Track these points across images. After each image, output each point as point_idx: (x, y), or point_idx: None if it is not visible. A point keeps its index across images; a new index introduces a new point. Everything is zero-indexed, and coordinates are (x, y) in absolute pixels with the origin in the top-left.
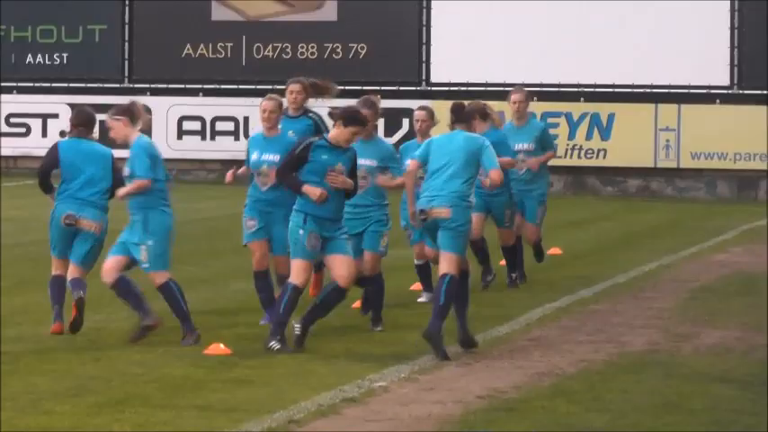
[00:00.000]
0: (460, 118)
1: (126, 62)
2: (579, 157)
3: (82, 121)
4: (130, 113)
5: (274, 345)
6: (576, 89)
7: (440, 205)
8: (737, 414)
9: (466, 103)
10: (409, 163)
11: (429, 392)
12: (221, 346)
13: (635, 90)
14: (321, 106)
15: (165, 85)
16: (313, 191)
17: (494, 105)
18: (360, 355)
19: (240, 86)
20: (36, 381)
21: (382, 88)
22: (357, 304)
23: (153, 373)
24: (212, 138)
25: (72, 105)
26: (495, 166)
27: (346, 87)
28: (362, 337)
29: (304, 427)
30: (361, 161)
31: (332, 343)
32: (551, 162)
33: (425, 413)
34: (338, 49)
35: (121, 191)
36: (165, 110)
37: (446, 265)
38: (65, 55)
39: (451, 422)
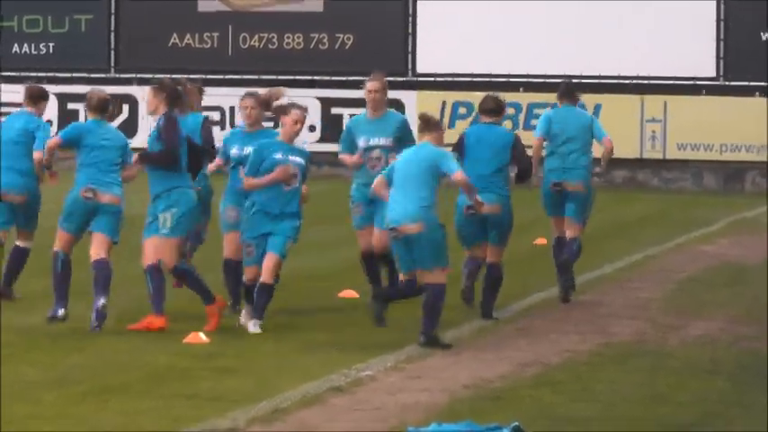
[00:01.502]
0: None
1: (112, 52)
2: None
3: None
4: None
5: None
6: (561, 80)
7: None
8: (724, 405)
9: None
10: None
11: (415, 381)
12: (201, 335)
13: (621, 81)
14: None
15: (151, 75)
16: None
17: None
18: (346, 344)
19: (226, 77)
20: (21, 370)
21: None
22: (344, 293)
23: (137, 362)
24: None
25: (58, 95)
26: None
27: (333, 78)
28: (349, 326)
29: (290, 416)
30: (373, 140)
31: (318, 332)
32: None
33: (412, 402)
34: (324, 40)
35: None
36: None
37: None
38: (51, 44)
39: (438, 411)
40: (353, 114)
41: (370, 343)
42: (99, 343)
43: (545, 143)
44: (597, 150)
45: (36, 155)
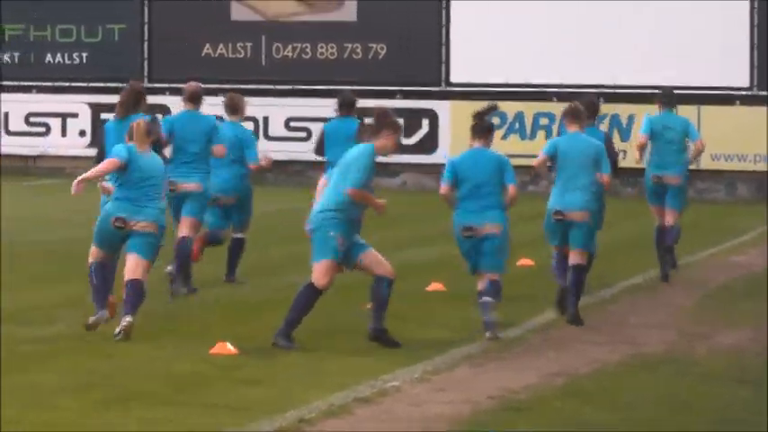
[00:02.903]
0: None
1: (145, 62)
2: None
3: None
4: None
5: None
6: (595, 89)
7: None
8: (750, 415)
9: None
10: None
11: (441, 393)
12: (228, 345)
13: (655, 91)
14: None
15: (184, 85)
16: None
17: (511, 106)
18: (372, 354)
19: (260, 86)
20: (42, 376)
21: (402, 88)
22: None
23: (160, 370)
24: None
25: (91, 105)
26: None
27: (366, 87)
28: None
29: (315, 427)
30: None
31: (345, 343)
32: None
33: (436, 413)
34: (357, 50)
35: None
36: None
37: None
38: (84, 54)
39: (462, 422)
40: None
41: (396, 354)
42: (122, 350)
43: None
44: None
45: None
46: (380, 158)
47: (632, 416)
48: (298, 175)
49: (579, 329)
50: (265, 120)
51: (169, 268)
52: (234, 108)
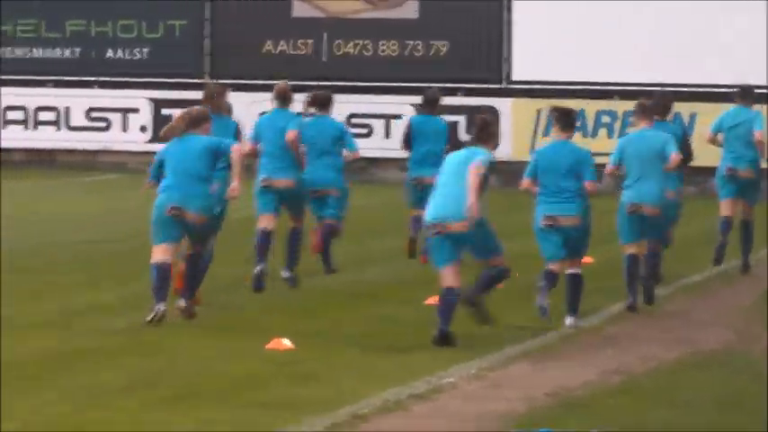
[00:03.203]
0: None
1: (206, 58)
2: None
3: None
4: None
5: None
6: (656, 88)
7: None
8: None
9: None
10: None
11: (496, 389)
12: (284, 341)
13: (717, 90)
14: None
15: (245, 81)
16: None
17: (573, 104)
18: (428, 350)
19: (320, 83)
20: (97, 376)
21: (463, 86)
22: (431, 300)
23: (215, 369)
24: None
25: (152, 100)
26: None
27: (427, 85)
28: (432, 333)
29: (369, 423)
30: None
31: (402, 339)
32: None
33: (491, 410)
34: (419, 47)
35: None
36: (246, 106)
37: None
38: (145, 50)
39: (517, 419)
40: (449, 122)
41: (452, 350)
42: (178, 348)
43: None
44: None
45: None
46: None
47: (687, 415)
48: (361, 171)
49: (636, 327)
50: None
51: (258, 268)
52: (323, 102)
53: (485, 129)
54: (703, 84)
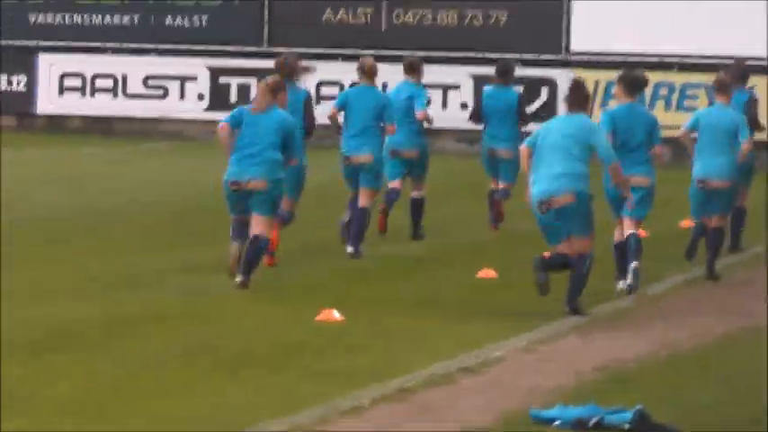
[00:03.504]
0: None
1: (266, 26)
2: None
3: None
4: None
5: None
6: (717, 61)
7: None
8: None
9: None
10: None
11: (546, 363)
12: (334, 312)
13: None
14: None
15: (304, 50)
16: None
17: None
18: (479, 323)
19: (380, 52)
20: (150, 343)
21: (521, 56)
22: (483, 273)
23: (266, 338)
24: None
25: (211, 69)
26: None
27: (486, 55)
28: (483, 306)
29: (415, 396)
30: None
31: (454, 311)
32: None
33: (540, 384)
34: (478, 17)
35: None
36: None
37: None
38: (204, 17)
39: (565, 393)
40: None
41: (504, 323)
42: (230, 317)
43: None
44: None
45: (419, 114)
46: None
47: (736, 391)
48: None
49: (689, 301)
50: (383, 86)
51: (350, 249)
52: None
53: (580, 92)
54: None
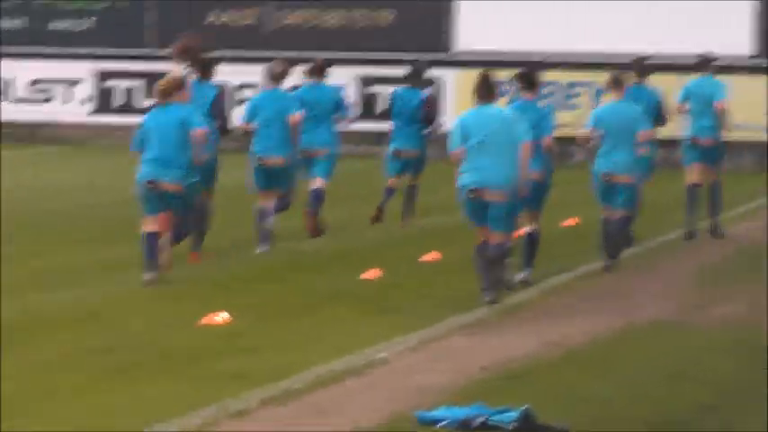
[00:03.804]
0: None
1: (151, 29)
2: None
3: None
4: None
5: None
6: (603, 60)
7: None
8: (743, 384)
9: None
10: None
11: (433, 363)
12: (219, 316)
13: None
14: None
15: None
16: None
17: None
18: (366, 324)
19: (264, 53)
20: (35, 352)
21: (407, 56)
22: (367, 274)
23: (156, 341)
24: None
25: (96, 72)
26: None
27: (371, 55)
28: (369, 306)
29: (304, 397)
30: None
31: (339, 313)
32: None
33: (427, 384)
34: (364, 18)
35: None
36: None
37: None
38: (92, 20)
39: (453, 393)
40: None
41: (389, 324)
42: (120, 319)
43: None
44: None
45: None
46: (381, 127)
47: (627, 386)
48: None
49: (576, 298)
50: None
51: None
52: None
53: (488, 83)
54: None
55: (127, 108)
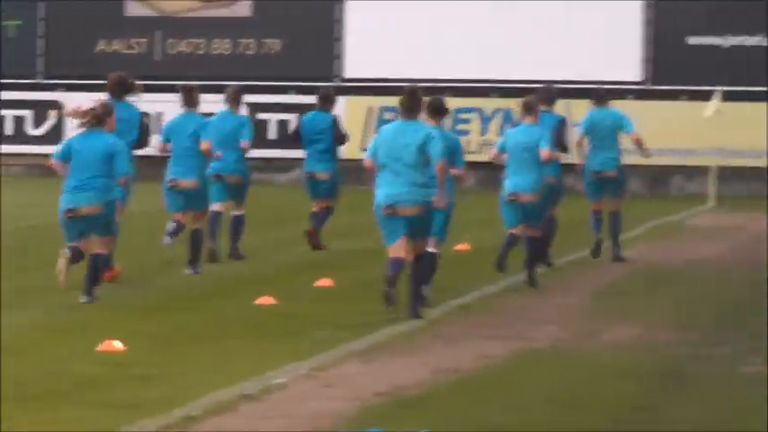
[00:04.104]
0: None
1: (41, 58)
2: None
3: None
4: None
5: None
6: (487, 84)
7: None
8: (637, 410)
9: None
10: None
11: (328, 389)
12: (116, 343)
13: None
14: None
15: (79, 81)
16: None
17: None
18: (260, 351)
19: (154, 82)
20: None
21: (295, 84)
22: (261, 300)
23: (49, 370)
24: None
25: None
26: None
27: (260, 83)
28: (262, 333)
29: (200, 424)
30: None
31: (234, 339)
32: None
33: (322, 410)
34: (252, 45)
35: None
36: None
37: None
38: None
39: (349, 419)
40: (281, 120)
41: (284, 350)
42: (17, 347)
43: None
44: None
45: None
46: (274, 154)
47: (523, 412)
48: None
49: (466, 325)
50: (159, 115)
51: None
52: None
53: (415, 97)
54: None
55: (17, 137)
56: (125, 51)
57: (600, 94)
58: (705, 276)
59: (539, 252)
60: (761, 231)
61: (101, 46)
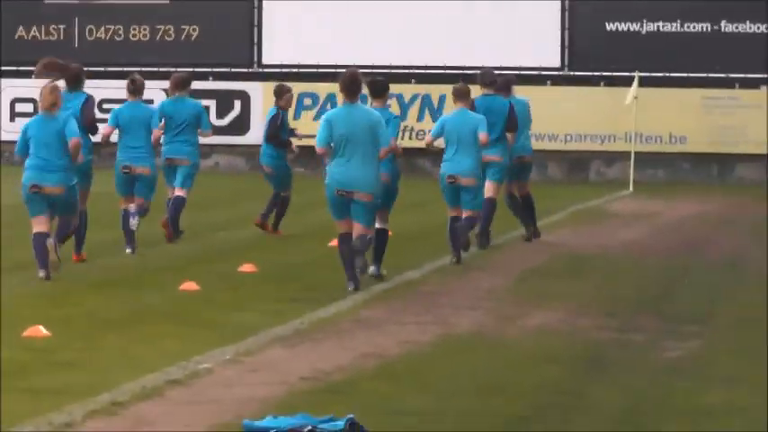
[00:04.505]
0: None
1: None
2: (410, 138)
3: None
4: None
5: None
6: (407, 71)
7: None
8: (560, 395)
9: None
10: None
11: (253, 374)
12: (41, 328)
13: (466, 72)
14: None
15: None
16: None
17: (323, 87)
18: (185, 336)
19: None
20: None
21: (214, 70)
22: (185, 286)
23: None
24: None
25: None
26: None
27: (178, 69)
28: (187, 319)
29: (128, 410)
30: None
31: (158, 325)
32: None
33: (249, 395)
34: (170, 31)
35: None
36: None
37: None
38: None
39: (276, 404)
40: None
41: (208, 335)
42: None
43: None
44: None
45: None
46: None
47: (443, 398)
48: (111, 157)
49: (389, 310)
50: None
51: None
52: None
53: (356, 82)
54: (453, 66)
55: None
56: (43, 38)
57: (504, 82)
58: (625, 262)
59: (468, 232)
60: (678, 218)
61: (20, 32)
